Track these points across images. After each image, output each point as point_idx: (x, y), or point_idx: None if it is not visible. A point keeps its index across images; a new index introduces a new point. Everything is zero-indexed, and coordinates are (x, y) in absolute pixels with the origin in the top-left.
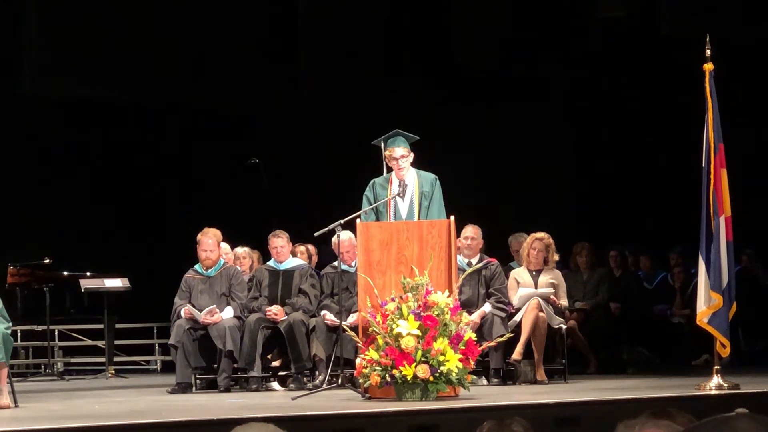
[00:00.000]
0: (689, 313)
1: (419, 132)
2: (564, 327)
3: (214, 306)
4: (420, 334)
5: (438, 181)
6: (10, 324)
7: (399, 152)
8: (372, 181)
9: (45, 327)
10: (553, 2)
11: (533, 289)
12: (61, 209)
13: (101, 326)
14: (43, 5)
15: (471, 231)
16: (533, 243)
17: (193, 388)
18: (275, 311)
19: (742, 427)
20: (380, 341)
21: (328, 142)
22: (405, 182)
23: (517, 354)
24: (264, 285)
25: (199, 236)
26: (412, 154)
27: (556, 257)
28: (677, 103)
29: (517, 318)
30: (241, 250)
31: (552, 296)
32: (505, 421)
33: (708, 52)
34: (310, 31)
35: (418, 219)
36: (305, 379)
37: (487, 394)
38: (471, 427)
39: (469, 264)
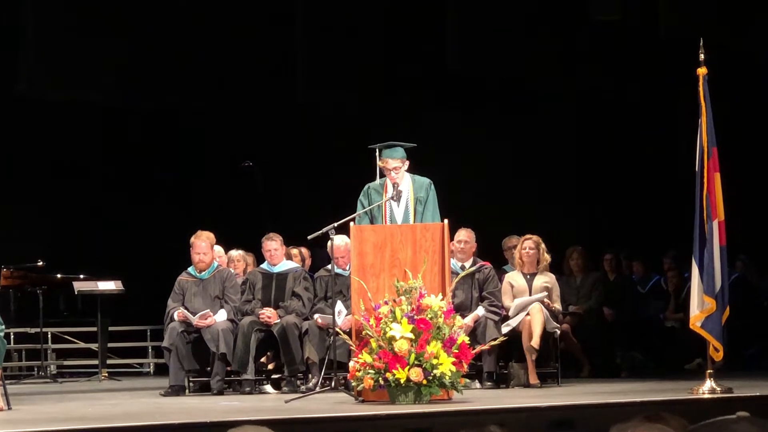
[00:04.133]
0: (682, 317)
1: (414, 136)
2: (558, 331)
3: (208, 310)
4: (413, 337)
5: (433, 186)
6: (3, 327)
7: (393, 164)
8: (367, 186)
9: (38, 329)
10: (547, 6)
11: (527, 294)
12: (55, 212)
13: (94, 329)
14: (41, 8)
15: (464, 234)
16: (524, 244)
17: (187, 390)
18: (268, 314)
19: (742, 431)
20: (373, 344)
21: (322, 145)
22: (400, 188)
23: (535, 344)
24: (257, 288)
25: (192, 239)
26: (406, 163)
27: (548, 257)
28: (671, 107)
29: (512, 323)
30: (234, 253)
31: (546, 299)
32: (482, 429)
33: (702, 56)
34: (305, 34)
35: (413, 224)
36: (298, 382)
37: (480, 398)
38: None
39: (462, 267)
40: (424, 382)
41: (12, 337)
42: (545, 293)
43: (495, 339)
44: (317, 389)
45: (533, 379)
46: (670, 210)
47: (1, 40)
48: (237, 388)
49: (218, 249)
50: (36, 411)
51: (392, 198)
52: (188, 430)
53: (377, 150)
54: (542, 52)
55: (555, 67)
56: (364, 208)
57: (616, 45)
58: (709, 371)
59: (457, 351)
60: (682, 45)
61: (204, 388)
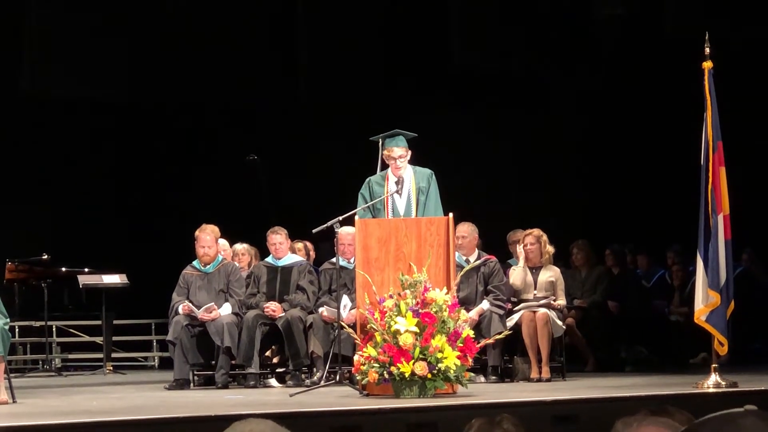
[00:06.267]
0: (687, 311)
1: (417, 131)
2: (563, 331)
3: (212, 303)
4: (418, 331)
5: (434, 176)
6: (8, 320)
7: (398, 152)
8: (368, 179)
9: (43, 323)
10: (552, 2)
11: (533, 289)
12: (60, 205)
13: (99, 322)
14: (45, 4)
15: (462, 229)
16: (525, 239)
17: (191, 384)
18: (273, 308)
19: (749, 425)
20: (378, 338)
21: (326, 139)
22: (402, 179)
23: (545, 373)
24: (262, 281)
25: (197, 233)
26: (409, 153)
27: (551, 249)
28: (676, 101)
29: (515, 317)
30: (239, 247)
31: (551, 300)
32: (495, 419)
33: (707, 50)
34: (309, 29)
35: (416, 215)
36: (303, 375)
37: (484, 392)
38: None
39: (467, 261)
40: (429, 375)
41: (17, 330)
42: (551, 297)
43: (500, 333)
44: (322, 383)
45: (545, 372)
46: (675, 204)
47: (5, 37)
48: (241, 382)
49: (223, 242)
50: (41, 404)
51: (396, 191)
52: (193, 424)
53: (380, 142)
54: (546, 47)
55: (559, 63)
56: (366, 201)
57: (621, 40)
58: (714, 365)
59: (461, 345)
60: (687, 39)
61: (208, 382)
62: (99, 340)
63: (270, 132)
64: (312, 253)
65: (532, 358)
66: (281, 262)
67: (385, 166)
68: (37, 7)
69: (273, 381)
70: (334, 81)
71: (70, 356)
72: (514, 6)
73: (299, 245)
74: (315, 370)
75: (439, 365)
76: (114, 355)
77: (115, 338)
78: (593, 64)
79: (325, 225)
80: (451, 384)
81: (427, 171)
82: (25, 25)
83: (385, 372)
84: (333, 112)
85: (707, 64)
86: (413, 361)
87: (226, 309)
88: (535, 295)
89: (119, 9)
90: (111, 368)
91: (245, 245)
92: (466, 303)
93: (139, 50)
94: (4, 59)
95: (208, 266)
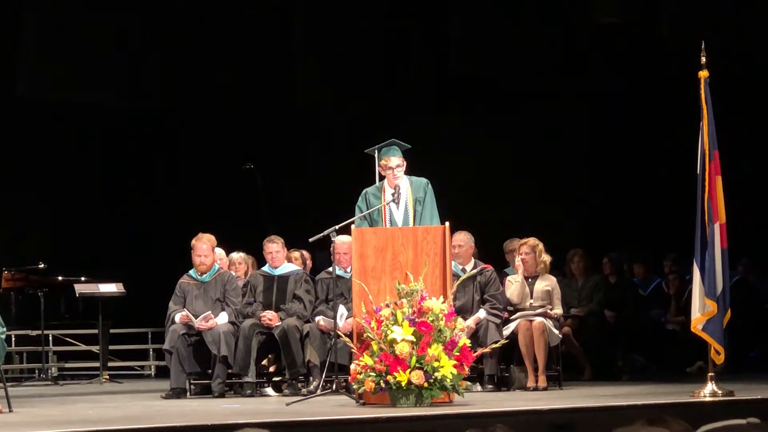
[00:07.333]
0: (684, 320)
1: (414, 137)
2: (559, 339)
3: (209, 312)
4: (414, 340)
5: (429, 185)
6: (5, 329)
7: (395, 162)
8: (364, 191)
9: (39, 332)
10: (549, 9)
11: (529, 299)
12: (56, 214)
13: (96, 331)
14: (41, 10)
15: (459, 238)
16: (520, 249)
17: (188, 393)
18: (269, 317)
19: None
20: (375, 347)
21: (324, 147)
22: (398, 189)
23: (542, 382)
24: (258, 290)
25: (193, 241)
26: (405, 163)
27: (547, 258)
28: (673, 109)
29: (511, 326)
30: (236, 256)
31: (548, 309)
32: (488, 429)
33: (703, 59)
34: (307, 35)
35: (413, 225)
36: (299, 384)
37: (481, 401)
38: None
39: (464, 270)
40: (426, 384)
41: (13, 339)
42: (548, 306)
43: (496, 342)
44: (318, 392)
45: (542, 381)
46: (671, 213)
47: (2, 42)
48: (238, 391)
49: (219, 251)
50: (37, 413)
51: (393, 201)
52: None
53: (376, 152)
54: (544, 54)
55: (556, 69)
56: (362, 213)
57: (618, 47)
58: (710, 374)
59: (458, 354)
60: (684, 48)
61: (205, 391)
62: (95, 349)
63: (267, 140)
64: (309, 263)
65: (529, 367)
66: (278, 271)
67: (382, 178)
68: (34, 13)
69: (269, 390)
70: (332, 89)
71: (67, 365)
72: (514, 12)
73: (296, 254)
74: (311, 379)
75: (436, 374)
76: (110, 364)
77: (111, 347)
78: (591, 72)
79: (322, 234)
80: (447, 393)
81: (423, 180)
82: (23, 30)
83: (381, 381)
84: (331, 119)
85: (703, 73)
86: (410, 370)
87: (223, 318)
88: (531, 304)
89: (116, 14)
90: (107, 377)
91: (242, 254)
92: (463, 312)
93: (135, 55)
94: (1, 64)
95: (205, 275)
